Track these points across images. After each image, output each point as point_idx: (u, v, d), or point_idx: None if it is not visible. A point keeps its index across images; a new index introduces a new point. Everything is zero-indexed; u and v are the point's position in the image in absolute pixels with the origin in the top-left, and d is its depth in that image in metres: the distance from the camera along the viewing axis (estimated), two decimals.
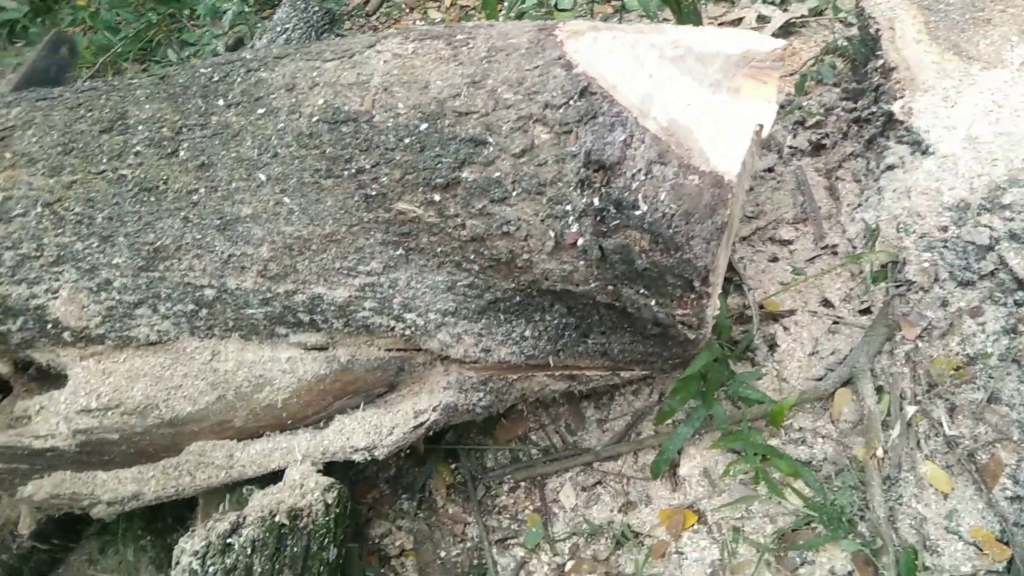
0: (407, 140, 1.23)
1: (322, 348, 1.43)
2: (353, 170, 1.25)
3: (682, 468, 1.53)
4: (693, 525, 1.47)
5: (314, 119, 1.29)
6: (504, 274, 1.25)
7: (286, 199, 1.29)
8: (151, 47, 3.13)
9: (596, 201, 1.09)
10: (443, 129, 1.21)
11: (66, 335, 1.39)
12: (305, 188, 1.28)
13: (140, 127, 1.36)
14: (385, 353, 1.44)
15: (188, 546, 1.33)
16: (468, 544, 1.61)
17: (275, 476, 1.45)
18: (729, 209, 1.00)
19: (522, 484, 1.66)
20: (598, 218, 1.09)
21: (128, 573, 1.55)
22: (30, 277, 1.36)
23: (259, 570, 1.30)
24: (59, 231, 1.34)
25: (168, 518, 1.70)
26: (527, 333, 1.32)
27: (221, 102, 1.35)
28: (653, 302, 1.13)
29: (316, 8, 2.78)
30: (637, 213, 1.05)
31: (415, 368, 1.48)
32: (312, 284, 1.32)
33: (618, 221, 1.08)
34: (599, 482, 1.60)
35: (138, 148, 1.34)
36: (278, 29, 2.67)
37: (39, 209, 1.35)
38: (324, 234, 1.28)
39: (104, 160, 1.35)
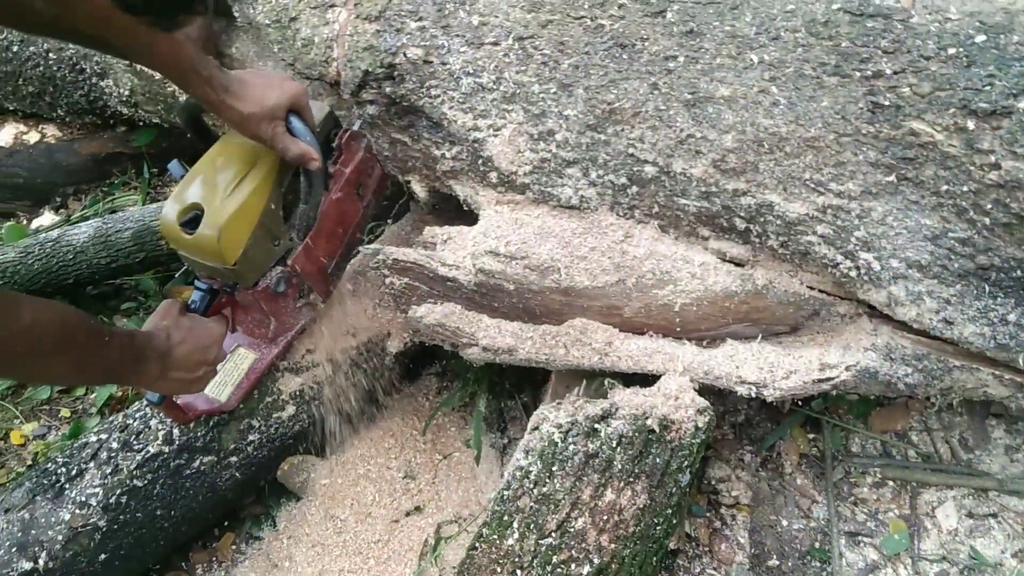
0: (951, 51, 1.02)
1: (739, 264, 1.30)
2: (868, 72, 1.08)
3: None
4: None
5: (834, 6, 1.12)
6: (1021, 238, 1.02)
7: (774, 88, 1.14)
8: None
9: None
10: (1006, 46, 0.99)
11: (492, 176, 1.38)
12: (801, 81, 1.12)
13: None
14: (806, 290, 1.28)
15: (552, 416, 1.29)
16: (812, 523, 1.43)
17: (634, 379, 1.36)
18: None
19: (890, 483, 1.44)
20: None
21: (475, 415, 1.56)
22: (479, 108, 1.35)
23: (619, 467, 1.22)
24: (522, 68, 1.31)
25: (506, 383, 1.70)
26: (1010, 317, 1.09)
27: None
28: None
29: None
30: None
31: (831, 317, 1.30)
32: (767, 189, 1.18)
33: None
34: (994, 514, 1.34)
35: (623, 0, 1.26)
36: None
37: (509, 41, 1.32)
38: (805, 137, 1.13)
39: (586, 5, 1.28)
